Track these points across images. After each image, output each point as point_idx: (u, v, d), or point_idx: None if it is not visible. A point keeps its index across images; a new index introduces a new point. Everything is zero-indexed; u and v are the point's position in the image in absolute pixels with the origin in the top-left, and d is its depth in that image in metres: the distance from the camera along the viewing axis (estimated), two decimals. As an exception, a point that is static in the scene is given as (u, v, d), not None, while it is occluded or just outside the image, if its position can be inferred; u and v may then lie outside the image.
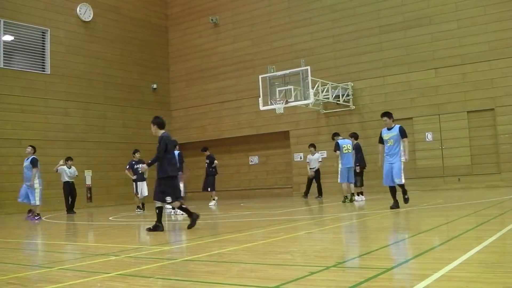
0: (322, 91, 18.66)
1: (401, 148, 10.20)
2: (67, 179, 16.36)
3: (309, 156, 16.97)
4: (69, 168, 16.47)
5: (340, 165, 13.48)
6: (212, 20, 23.77)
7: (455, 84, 18.04)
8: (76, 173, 16.85)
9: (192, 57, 24.57)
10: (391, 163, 10.21)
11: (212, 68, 23.84)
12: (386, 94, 19.28)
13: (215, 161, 17.04)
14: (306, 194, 17.04)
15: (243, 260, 4.98)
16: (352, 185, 13.81)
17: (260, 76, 18.48)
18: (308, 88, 17.11)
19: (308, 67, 17.26)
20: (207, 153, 17.15)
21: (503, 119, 17.26)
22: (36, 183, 13.34)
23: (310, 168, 16.68)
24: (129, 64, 23.27)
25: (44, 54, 20.20)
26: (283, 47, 21.74)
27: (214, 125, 23.58)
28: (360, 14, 20.03)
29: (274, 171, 22.30)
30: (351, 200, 13.51)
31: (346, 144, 13.67)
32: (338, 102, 19.36)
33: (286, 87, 17.54)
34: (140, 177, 15.14)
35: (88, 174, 20.70)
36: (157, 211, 8.25)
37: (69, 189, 16.41)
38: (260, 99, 18.10)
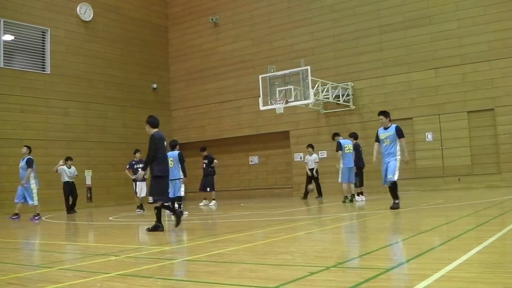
0: (322, 91, 18.65)
1: (398, 148, 10.19)
2: (67, 179, 16.35)
3: (307, 157, 16.99)
4: (69, 168, 16.47)
5: (341, 165, 13.48)
6: (212, 20, 23.76)
7: (455, 84, 18.03)
8: (76, 173, 16.85)
9: (192, 57, 24.56)
10: (387, 163, 10.21)
11: (212, 68, 23.83)
12: (386, 94, 19.28)
13: (215, 161, 17.03)
14: (305, 195, 17.07)
15: (243, 260, 4.98)
16: (352, 186, 13.82)
17: (260, 76, 18.47)
18: (308, 88, 17.10)
19: (308, 67, 17.26)
20: (206, 153, 17.13)
21: (503, 119, 17.25)
22: (33, 183, 13.33)
23: (309, 169, 16.71)
24: (129, 64, 23.27)
25: (44, 54, 20.19)
26: (283, 47, 21.73)
27: (214, 125, 23.57)
28: (360, 14, 20.02)
29: (274, 171, 22.29)
30: (351, 200, 13.51)
31: (347, 144, 13.71)
32: (338, 102, 19.35)
33: (286, 87, 17.53)
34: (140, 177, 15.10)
35: (88, 174, 20.70)
36: (155, 211, 8.27)
37: (69, 189, 16.39)
38: (260, 99, 18.08)
